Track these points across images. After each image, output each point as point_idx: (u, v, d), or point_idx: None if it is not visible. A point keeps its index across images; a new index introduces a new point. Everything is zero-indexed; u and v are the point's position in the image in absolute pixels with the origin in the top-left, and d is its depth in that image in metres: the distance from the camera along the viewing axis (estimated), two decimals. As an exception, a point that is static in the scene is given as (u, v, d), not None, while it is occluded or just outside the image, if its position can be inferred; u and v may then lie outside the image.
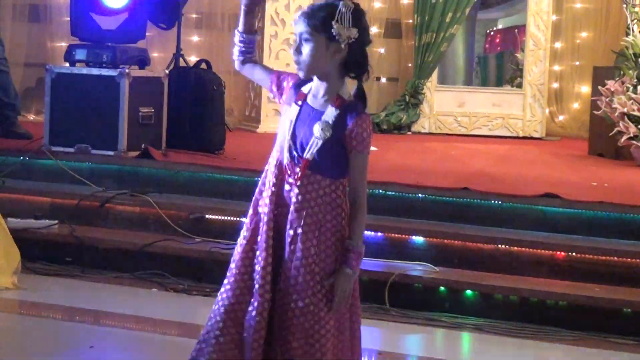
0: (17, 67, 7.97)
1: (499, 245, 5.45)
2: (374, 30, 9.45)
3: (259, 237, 3.08)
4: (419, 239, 5.60)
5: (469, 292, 5.25)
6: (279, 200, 3.08)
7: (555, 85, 9.71)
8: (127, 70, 6.45)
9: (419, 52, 9.15)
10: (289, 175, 3.05)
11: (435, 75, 9.30)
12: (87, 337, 4.65)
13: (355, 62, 3.01)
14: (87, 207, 6.07)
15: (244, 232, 3.14)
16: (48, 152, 6.36)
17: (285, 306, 3.03)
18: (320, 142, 3.00)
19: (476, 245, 5.49)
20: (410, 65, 9.40)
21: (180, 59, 7.65)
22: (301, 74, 3.04)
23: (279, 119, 9.11)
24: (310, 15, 3.01)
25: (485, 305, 5.21)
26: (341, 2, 2.98)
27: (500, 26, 10.94)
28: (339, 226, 3.06)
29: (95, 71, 6.54)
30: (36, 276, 5.59)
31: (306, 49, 2.99)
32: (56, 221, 5.92)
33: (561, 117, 9.74)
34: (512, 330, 5.03)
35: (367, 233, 5.60)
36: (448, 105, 9.34)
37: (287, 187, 3.06)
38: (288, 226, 3.04)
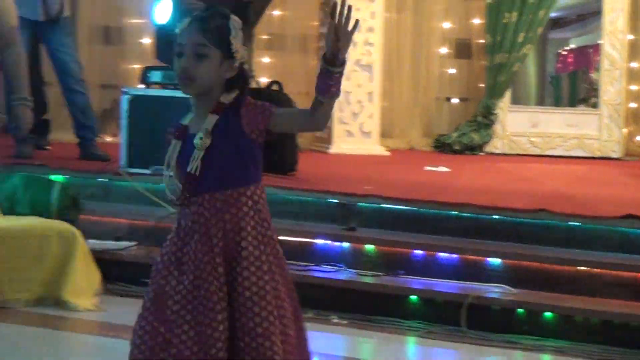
0: (93, 88, 8.12)
1: (579, 267, 5.42)
2: (443, 50, 9.48)
3: None
4: (495, 261, 5.59)
5: (548, 314, 5.22)
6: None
7: (633, 105, 9.64)
8: (201, 92, 6.54)
9: (491, 72, 9.16)
10: (190, 199, 2.90)
11: (507, 95, 9.29)
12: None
13: (238, 79, 2.89)
14: (164, 229, 6.15)
15: None
16: (125, 174, 6.47)
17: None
18: (201, 153, 2.86)
19: (555, 267, 5.47)
20: (481, 85, 9.41)
21: (252, 81, 7.77)
22: (187, 90, 2.87)
23: (350, 140, 9.20)
24: (205, 26, 2.85)
25: (566, 328, 5.18)
26: (231, 18, 2.87)
27: (572, 46, 10.91)
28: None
29: (169, 93, 6.64)
30: (116, 297, 5.67)
31: (201, 63, 2.83)
32: (135, 242, 6.00)
33: (639, 137, 9.67)
34: (594, 353, 4.99)
35: (441, 255, 5.68)
36: (521, 125, 9.33)
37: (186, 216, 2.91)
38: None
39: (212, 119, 2.86)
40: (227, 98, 2.89)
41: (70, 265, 5.51)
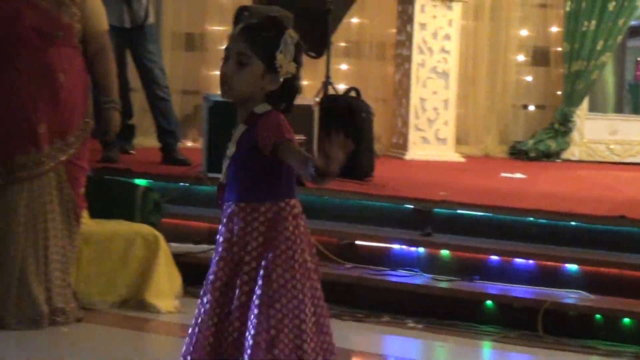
0: (175, 94, 8.23)
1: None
2: (520, 58, 9.45)
3: None
4: (572, 267, 5.59)
5: (626, 320, 5.20)
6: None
7: None
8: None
9: (568, 80, 9.10)
10: (226, 210, 2.93)
11: (585, 102, 9.23)
12: None
13: (282, 98, 2.86)
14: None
15: None
16: (205, 179, 6.54)
17: None
18: (227, 161, 2.88)
19: (634, 274, 5.44)
20: (558, 93, 9.34)
21: (329, 87, 7.82)
22: (224, 95, 2.89)
23: (425, 147, 9.19)
24: (252, 34, 2.83)
25: (644, 333, 5.16)
26: (286, 32, 2.82)
27: (652, 54, 10.78)
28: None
29: (249, 100, 6.71)
30: (195, 300, 5.71)
31: (241, 70, 2.81)
32: (214, 246, 6.08)
33: None
34: (675, 359, 4.96)
35: (517, 260, 5.68)
36: (599, 132, 9.25)
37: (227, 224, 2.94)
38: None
39: (241, 129, 2.87)
40: (261, 109, 2.86)
41: (153, 268, 5.59)
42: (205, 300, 2.97)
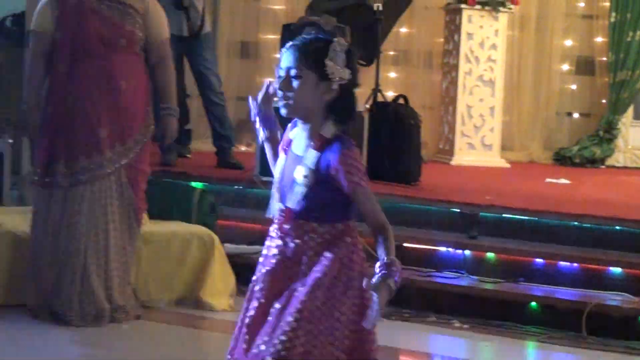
0: (230, 100, 8.28)
1: None
2: (564, 67, 9.39)
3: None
4: (616, 270, 5.55)
5: (670, 322, 5.16)
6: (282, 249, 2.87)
7: None
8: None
9: (613, 89, 9.04)
10: (283, 226, 2.85)
11: (630, 111, 9.14)
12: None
13: (343, 105, 2.79)
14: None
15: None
16: (259, 182, 6.57)
17: None
18: (304, 190, 2.79)
19: (677, 277, 5.40)
20: (603, 101, 9.27)
21: (379, 94, 7.83)
22: (283, 111, 2.82)
23: (471, 152, 9.15)
24: (301, 49, 2.79)
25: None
26: (335, 40, 2.77)
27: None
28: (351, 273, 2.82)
29: (302, 106, 6.73)
30: (249, 299, 5.79)
31: (295, 85, 2.77)
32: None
33: None
34: None
35: (562, 263, 5.64)
36: (644, 140, 9.19)
37: (283, 238, 2.86)
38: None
39: (314, 155, 2.78)
40: (328, 132, 2.80)
41: (209, 267, 5.63)
42: (249, 306, 2.95)
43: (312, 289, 2.79)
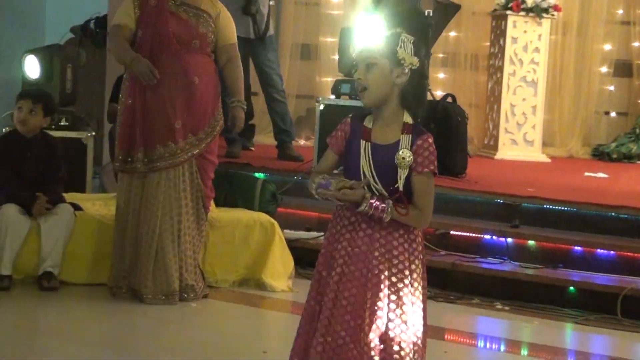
0: (290, 98, 8.32)
1: None
2: (603, 70, 9.29)
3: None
4: (651, 258, 5.48)
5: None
6: (353, 236, 2.89)
7: None
8: (384, 103, 6.61)
9: (649, 89, 8.93)
10: (376, 209, 2.83)
11: (665, 110, 9.03)
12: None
13: (414, 93, 2.86)
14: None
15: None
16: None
17: None
18: (407, 171, 2.84)
19: None
20: (639, 101, 9.15)
21: (428, 93, 7.79)
22: (364, 100, 2.87)
23: (514, 148, 9.03)
24: (375, 41, 2.87)
25: None
26: (402, 34, 2.85)
27: None
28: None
29: (357, 103, 6.72)
30: (307, 281, 5.73)
31: (371, 73, 2.85)
32: (322, 233, 6.07)
33: None
34: None
35: (599, 251, 5.58)
36: (677, 137, 9.02)
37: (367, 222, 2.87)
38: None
39: (407, 139, 2.84)
40: (409, 119, 2.87)
41: (269, 251, 5.66)
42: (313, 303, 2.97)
43: None
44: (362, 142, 2.88)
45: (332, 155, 2.97)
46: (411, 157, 2.83)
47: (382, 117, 2.89)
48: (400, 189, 2.83)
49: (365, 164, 2.86)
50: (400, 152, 2.83)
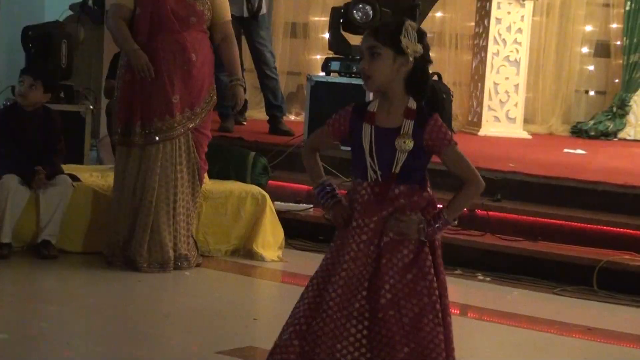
0: (281, 75, 8.29)
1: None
2: (584, 50, 9.27)
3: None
4: (628, 232, 5.47)
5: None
6: (367, 217, 2.88)
7: None
8: (372, 81, 6.59)
9: (626, 69, 8.92)
10: (377, 192, 2.85)
11: (641, 89, 9.01)
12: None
13: (418, 79, 2.83)
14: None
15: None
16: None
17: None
18: (405, 155, 2.81)
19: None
20: (617, 81, 9.16)
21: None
22: (368, 87, 2.85)
23: (497, 125, 9.01)
24: (378, 31, 2.83)
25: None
26: (406, 22, 2.81)
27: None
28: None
29: (346, 80, 6.71)
30: (296, 251, 5.80)
31: (375, 61, 2.81)
32: (311, 205, 6.09)
33: None
34: None
35: (577, 225, 5.58)
36: (653, 115, 9.04)
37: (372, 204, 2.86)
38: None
39: (410, 124, 2.82)
40: (413, 104, 2.84)
41: (260, 222, 5.65)
42: (327, 298, 2.93)
43: None
44: (366, 125, 2.85)
45: (327, 138, 2.97)
46: (412, 143, 2.80)
47: (386, 102, 2.86)
48: (397, 172, 2.81)
49: (366, 146, 2.84)
50: (401, 137, 2.80)
